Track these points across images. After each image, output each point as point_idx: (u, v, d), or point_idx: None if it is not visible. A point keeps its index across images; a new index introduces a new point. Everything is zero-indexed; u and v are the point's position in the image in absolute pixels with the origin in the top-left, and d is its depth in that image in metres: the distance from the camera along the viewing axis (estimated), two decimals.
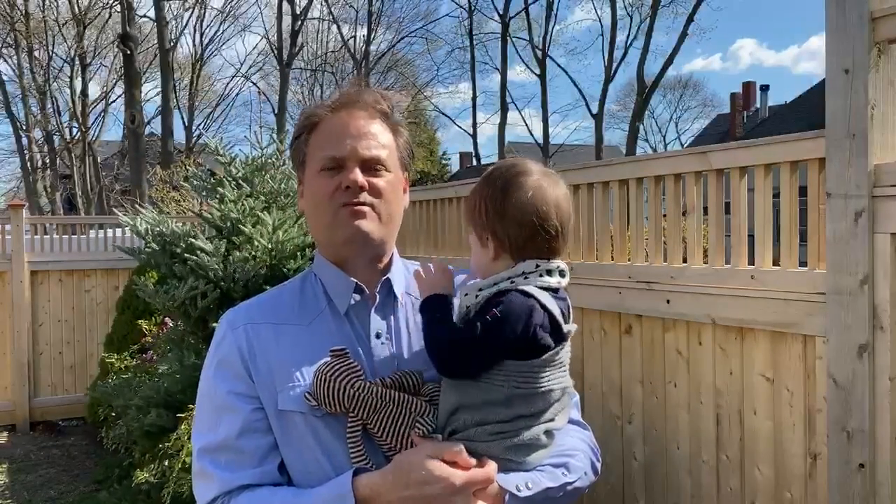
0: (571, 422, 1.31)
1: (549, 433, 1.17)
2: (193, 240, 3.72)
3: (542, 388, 1.15)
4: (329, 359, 1.18)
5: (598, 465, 1.31)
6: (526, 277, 1.17)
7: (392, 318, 1.30)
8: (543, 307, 1.15)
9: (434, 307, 1.19)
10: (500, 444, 1.13)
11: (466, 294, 1.18)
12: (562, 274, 1.21)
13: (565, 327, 1.17)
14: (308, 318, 1.27)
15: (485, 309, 1.14)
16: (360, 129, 1.28)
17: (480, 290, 1.17)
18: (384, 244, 1.31)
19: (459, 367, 1.14)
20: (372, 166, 1.27)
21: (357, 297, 1.29)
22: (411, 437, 1.16)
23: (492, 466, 1.11)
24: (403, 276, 1.36)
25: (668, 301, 2.85)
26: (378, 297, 1.30)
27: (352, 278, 1.28)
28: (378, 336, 1.27)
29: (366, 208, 1.25)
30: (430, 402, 1.20)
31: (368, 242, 1.27)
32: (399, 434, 1.16)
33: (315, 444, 1.18)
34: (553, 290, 1.19)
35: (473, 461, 1.11)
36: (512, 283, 1.16)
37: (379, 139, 1.29)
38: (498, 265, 1.20)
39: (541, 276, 1.18)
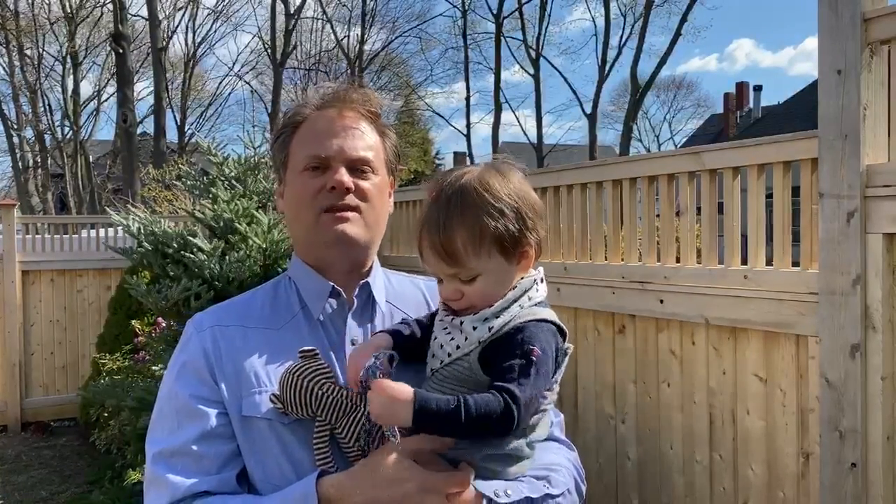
0: (555, 439, 1.26)
1: (531, 445, 1.11)
2: (191, 238, 3.71)
3: (545, 408, 1.11)
4: (298, 360, 1.11)
5: (584, 488, 1.24)
6: (530, 298, 1.09)
7: (370, 325, 1.24)
8: (559, 329, 1.10)
9: (447, 404, 1.00)
10: (480, 452, 1.06)
11: (476, 327, 1.07)
12: (542, 281, 1.14)
13: (566, 344, 1.12)
14: (279, 322, 1.21)
15: (512, 347, 1.04)
16: (347, 128, 1.22)
17: (486, 319, 1.07)
18: (368, 249, 1.25)
19: (525, 420, 1.05)
20: (358, 167, 1.21)
21: (333, 302, 1.22)
22: (380, 440, 1.08)
23: (469, 471, 1.05)
24: (384, 283, 1.30)
25: (661, 301, 2.86)
26: (356, 301, 1.24)
27: (329, 281, 1.22)
28: (353, 343, 1.20)
29: (350, 213, 1.19)
30: None
31: (353, 246, 1.21)
32: (369, 439, 1.09)
33: (280, 453, 1.11)
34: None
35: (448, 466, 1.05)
36: (521, 307, 1.08)
37: (366, 140, 1.23)
38: (512, 282, 1.10)
39: (537, 290, 1.11)
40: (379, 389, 1.02)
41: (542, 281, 1.13)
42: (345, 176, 1.19)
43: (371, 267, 1.28)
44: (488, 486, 1.06)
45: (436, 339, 1.13)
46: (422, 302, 1.31)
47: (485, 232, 1.06)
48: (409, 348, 1.15)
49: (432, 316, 1.18)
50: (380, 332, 1.18)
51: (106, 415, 5.48)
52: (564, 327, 1.11)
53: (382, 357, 1.08)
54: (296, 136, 1.25)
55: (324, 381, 1.10)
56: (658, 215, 3.12)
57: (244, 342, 1.18)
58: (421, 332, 1.17)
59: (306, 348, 1.12)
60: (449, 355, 1.09)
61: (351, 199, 1.19)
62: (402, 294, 1.32)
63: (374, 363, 1.07)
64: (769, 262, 2.52)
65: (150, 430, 1.18)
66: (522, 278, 1.11)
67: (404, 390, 1.01)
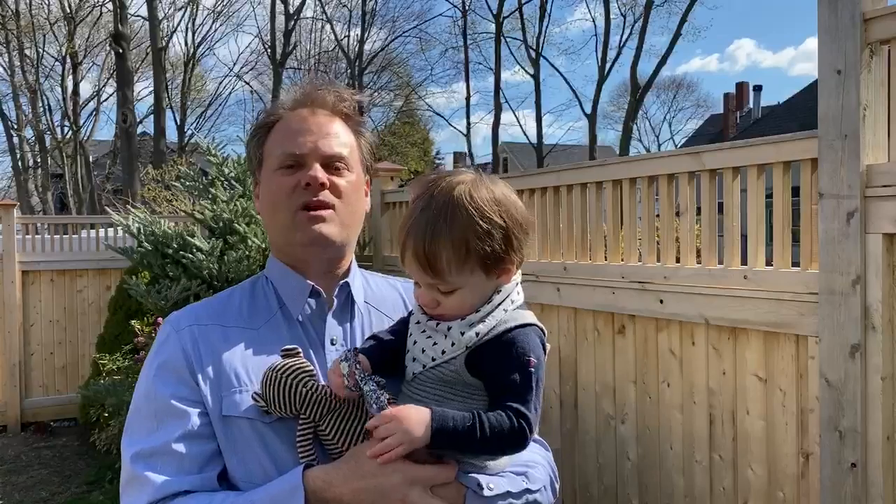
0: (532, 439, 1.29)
1: None
2: (190, 237, 3.72)
3: None
4: (279, 358, 1.11)
5: (557, 486, 1.26)
6: (513, 301, 1.11)
7: (348, 325, 1.24)
8: (541, 330, 1.12)
9: (463, 422, 1.03)
10: None
11: (463, 332, 1.07)
12: (519, 283, 1.16)
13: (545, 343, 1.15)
14: (258, 321, 1.21)
15: (510, 359, 1.06)
16: (320, 126, 1.23)
17: (472, 325, 1.08)
18: (344, 247, 1.25)
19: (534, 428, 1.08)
20: (333, 164, 1.22)
21: (312, 302, 1.22)
22: (366, 435, 1.08)
23: (453, 464, 1.08)
24: (362, 284, 1.31)
25: (661, 301, 2.86)
26: (336, 301, 1.24)
27: (309, 281, 1.22)
28: (333, 342, 1.21)
29: (326, 212, 1.19)
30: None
31: (329, 246, 1.21)
32: (353, 436, 1.09)
33: (262, 452, 1.10)
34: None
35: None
36: (505, 311, 1.09)
37: (341, 138, 1.24)
38: (489, 294, 1.11)
39: (518, 293, 1.13)
40: (393, 418, 1.01)
41: (519, 283, 1.15)
42: (319, 172, 1.19)
43: (349, 267, 1.29)
44: (471, 480, 1.08)
45: (416, 342, 1.12)
46: (399, 303, 1.32)
47: (470, 251, 1.06)
48: (385, 361, 1.14)
49: (404, 322, 1.18)
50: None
51: (106, 415, 5.47)
52: (543, 327, 1.13)
53: (353, 359, 1.08)
54: (270, 136, 1.25)
55: (307, 378, 1.09)
56: (658, 215, 3.12)
57: (224, 341, 1.17)
58: (394, 342, 1.16)
59: (288, 346, 1.12)
60: (433, 359, 1.09)
61: (326, 196, 1.20)
62: (380, 295, 1.33)
63: (353, 359, 1.07)
64: (769, 262, 2.52)
65: (128, 432, 1.16)
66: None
67: (421, 413, 1.02)
